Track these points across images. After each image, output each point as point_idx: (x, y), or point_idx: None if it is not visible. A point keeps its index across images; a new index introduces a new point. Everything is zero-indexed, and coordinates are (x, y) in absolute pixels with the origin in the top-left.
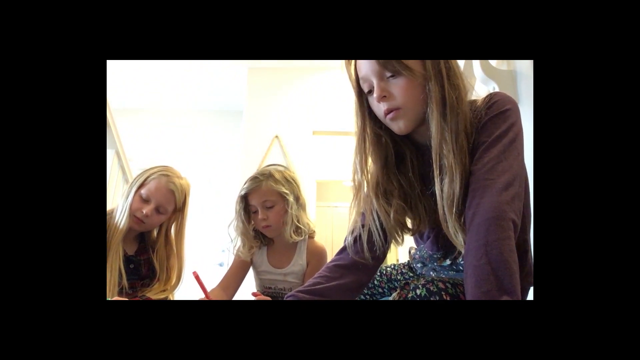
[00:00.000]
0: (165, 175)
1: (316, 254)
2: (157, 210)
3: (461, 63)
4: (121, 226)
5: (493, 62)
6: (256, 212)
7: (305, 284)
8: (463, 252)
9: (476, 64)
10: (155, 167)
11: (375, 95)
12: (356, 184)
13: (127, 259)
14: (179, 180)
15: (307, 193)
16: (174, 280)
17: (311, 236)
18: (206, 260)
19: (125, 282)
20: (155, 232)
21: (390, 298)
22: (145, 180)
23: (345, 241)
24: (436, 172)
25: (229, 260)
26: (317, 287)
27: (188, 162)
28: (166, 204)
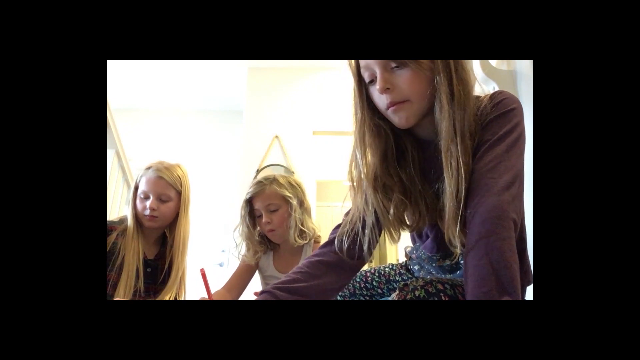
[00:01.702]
0: (150, 168)
1: None
2: (160, 199)
3: None
4: (131, 228)
5: (493, 62)
6: (260, 216)
7: (283, 278)
8: (460, 253)
9: (476, 64)
10: (143, 167)
11: (378, 86)
12: (354, 178)
13: (146, 263)
14: (164, 166)
15: (307, 193)
16: (180, 277)
17: (317, 241)
18: (206, 260)
19: (141, 284)
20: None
21: (390, 299)
22: (137, 182)
23: (330, 235)
24: (447, 171)
25: (229, 260)
26: (295, 285)
27: (188, 162)
28: (164, 190)
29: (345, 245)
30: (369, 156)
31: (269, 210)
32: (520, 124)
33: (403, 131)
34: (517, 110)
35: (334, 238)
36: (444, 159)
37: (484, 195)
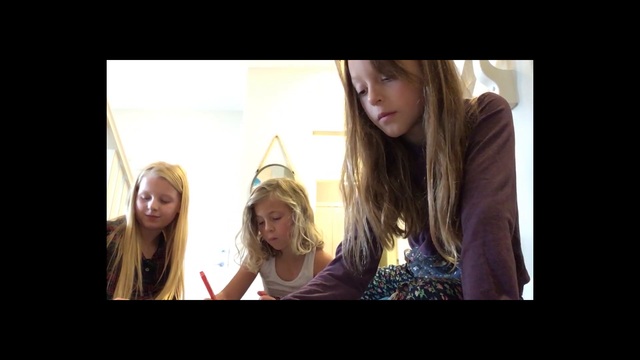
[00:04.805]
0: (151, 168)
1: (324, 266)
2: (162, 200)
3: (461, 63)
4: (130, 228)
5: (493, 62)
6: (263, 223)
7: (301, 290)
8: (455, 262)
9: (476, 64)
10: (144, 167)
11: (369, 98)
12: (347, 189)
13: (144, 263)
14: (165, 167)
15: (309, 195)
16: (179, 275)
17: (320, 247)
18: (206, 260)
19: (140, 285)
20: (171, 229)
21: (389, 298)
22: (138, 182)
23: (336, 253)
24: (430, 181)
25: (228, 260)
26: (313, 295)
27: (188, 162)
28: (165, 191)
29: (349, 260)
30: (361, 166)
31: (272, 218)
32: (509, 124)
33: (394, 139)
34: (505, 111)
35: (341, 255)
36: (428, 169)
37: (478, 197)
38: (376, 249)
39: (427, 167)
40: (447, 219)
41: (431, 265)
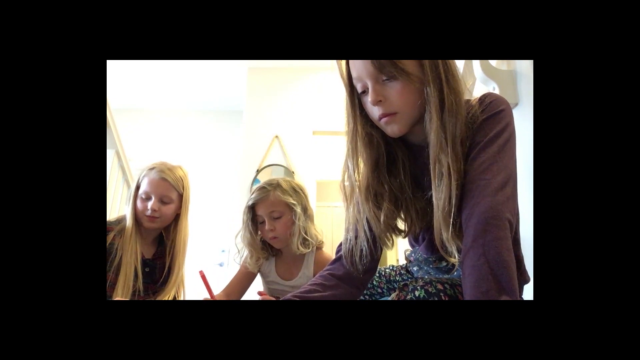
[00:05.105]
0: (153, 168)
1: (324, 266)
2: (162, 201)
3: (461, 63)
4: (129, 227)
5: (493, 62)
6: (263, 222)
7: (301, 290)
8: (456, 263)
9: (476, 64)
10: (145, 167)
11: (370, 99)
12: (348, 189)
13: (144, 262)
14: (167, 168)
15: (309, 194)
16: (181, 276)
17: (319, 247)
18: (206, 260)
19: (140, 285)
20: (172, 230)
21: (389, 298)
22: (139, 182)
23: (336, 252)
24: (434, 182)
25: (229, 260)
26: (312, 294)
27: (188, 162)
28: (166, 192)
29: (349, 260)
30: (362, 165)
31: (272, 217)
32: (510, 124)
33: (394, 139)
34: (506, 111)
35: (341, 254)
36: (431, 169)
37: (478, 197)
38: (376, 248)
39: (431, 167)
40: (449, 220)
41: (431, 266)
